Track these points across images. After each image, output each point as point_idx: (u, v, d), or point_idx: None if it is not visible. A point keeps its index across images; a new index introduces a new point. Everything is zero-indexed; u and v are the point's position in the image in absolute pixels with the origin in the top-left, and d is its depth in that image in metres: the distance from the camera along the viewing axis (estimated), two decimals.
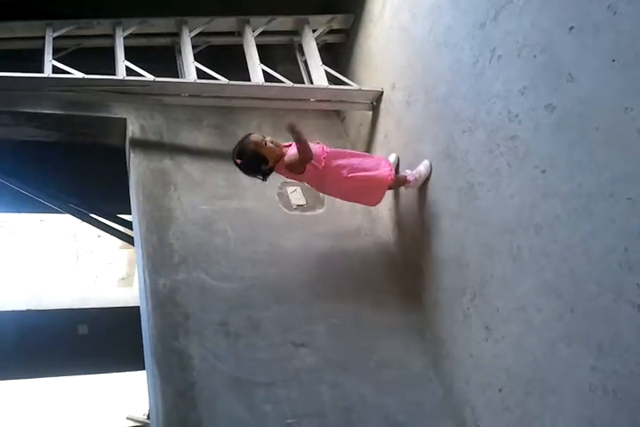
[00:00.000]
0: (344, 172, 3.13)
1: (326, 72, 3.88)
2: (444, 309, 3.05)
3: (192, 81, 3.60)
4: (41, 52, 3.60)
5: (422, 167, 3.24)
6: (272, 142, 3.09)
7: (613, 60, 2.08)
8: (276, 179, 3.68)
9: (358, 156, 3.29)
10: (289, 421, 2.64)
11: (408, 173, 3.28)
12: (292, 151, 3.09)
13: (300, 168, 3.11)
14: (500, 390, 2.61)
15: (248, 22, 4.04)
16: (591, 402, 2.16)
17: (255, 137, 3.09)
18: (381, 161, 3.29)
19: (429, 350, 3.09)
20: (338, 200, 3.63)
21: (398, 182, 3.28)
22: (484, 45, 2.79)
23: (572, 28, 2.27)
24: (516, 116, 2.56)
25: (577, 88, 2.25)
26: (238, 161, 3.12)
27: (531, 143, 2.48)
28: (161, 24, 3.98)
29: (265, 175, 3.16)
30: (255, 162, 3.09)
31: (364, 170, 3.18)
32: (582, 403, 2.20)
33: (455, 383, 2.92)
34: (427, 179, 3.23)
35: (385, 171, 3.21)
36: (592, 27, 2.18)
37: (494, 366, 2.66)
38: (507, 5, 2.63)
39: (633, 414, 2.00)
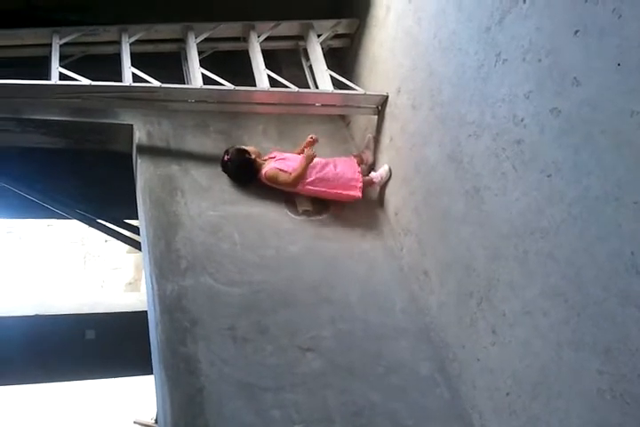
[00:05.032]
0: (319, 185, 3.61)
1: (331, 77, 3.89)
2: (450, 313, 3.05)
3: (198, 87, 3.62)
4: (48, 60, 3.62)
5: (383, 172, 3.69)
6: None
7: (619, 64, 2.08)
8: None
9: (332, 165, 3.68)
10: (296, 426, 2.64)
11: (373, 175, 3.73)
12: (273, 165, 3.61)
13: (279, 185, 3.64)
14: (507, 395, 2.61)
15: (253, 28, 4.06)
16: (599, 406, 2.15)
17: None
18: (353, 174, 3.65)
19: (436, 354, 3.09)
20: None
21: (366, 184, 3.70)
22: (489, 49, 2.79)
23: (577, 31, 2.27)
24: (522, 120, 2.56)
25: (582, 92, 2.25)
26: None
27: (536, 147, 2.48)
28: (167, 30, 4.01)
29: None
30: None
31: (336, 187, 3.62)
32: (589, 407, 2.19)
33: (462, 388, 2.92)
34: (388, 180, 3.70)
35: (354, 191, 3.62)
36: (597, 31, 2.18)
37: (501, 371, 2.65)
38: (512, 9, 2.63)
39: None
